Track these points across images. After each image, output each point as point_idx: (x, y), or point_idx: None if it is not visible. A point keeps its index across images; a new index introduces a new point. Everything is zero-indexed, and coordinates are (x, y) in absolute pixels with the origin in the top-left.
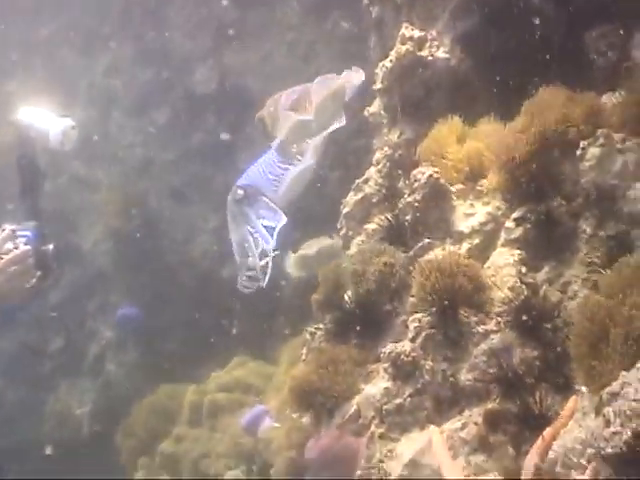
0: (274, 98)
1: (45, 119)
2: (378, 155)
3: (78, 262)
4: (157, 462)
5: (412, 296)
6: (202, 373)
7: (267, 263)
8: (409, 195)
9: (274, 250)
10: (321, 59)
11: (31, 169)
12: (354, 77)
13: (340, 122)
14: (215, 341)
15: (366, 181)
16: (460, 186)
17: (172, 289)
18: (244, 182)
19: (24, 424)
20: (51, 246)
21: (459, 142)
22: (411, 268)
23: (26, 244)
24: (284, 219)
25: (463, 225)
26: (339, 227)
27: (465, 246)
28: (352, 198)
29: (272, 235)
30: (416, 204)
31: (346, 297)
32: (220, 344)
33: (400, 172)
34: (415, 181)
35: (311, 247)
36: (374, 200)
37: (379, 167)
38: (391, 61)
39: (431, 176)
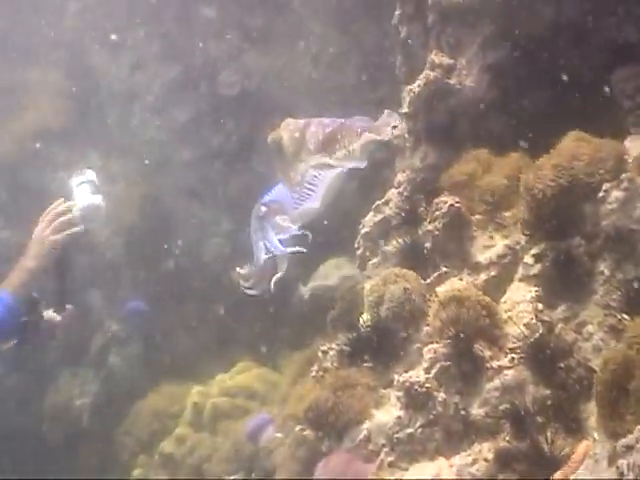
0: (297, 123)
1: (80, 191)
2: (400, 178)
3: (88, 253)
4: (156, 461)
5: (428, 325)
6: (205, 374)
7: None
8: (430, 223)
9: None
10: (345, 70)
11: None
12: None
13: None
14: (220, 343)
15: (386, 203)
16: (481, 217)
17: (181, 288)
18: (269, 199)
19: (22, 413)
20: (25, 318)
21: (483, 173)
22: (428, 296)
23: None
24: (295, 231)
25: (481, 256)
26: (356, 246)
27: (482, 277)
28: (371, 219)
29: (284, 246)
30: (436, 232)
31: (362, 320)
32: (225, 347)
33: (421, 197)
34: (437, 209)
35: (326, 276)
36: (393, 223)
37: (400, 190)
38: (419, 86)
39: (452, 206)
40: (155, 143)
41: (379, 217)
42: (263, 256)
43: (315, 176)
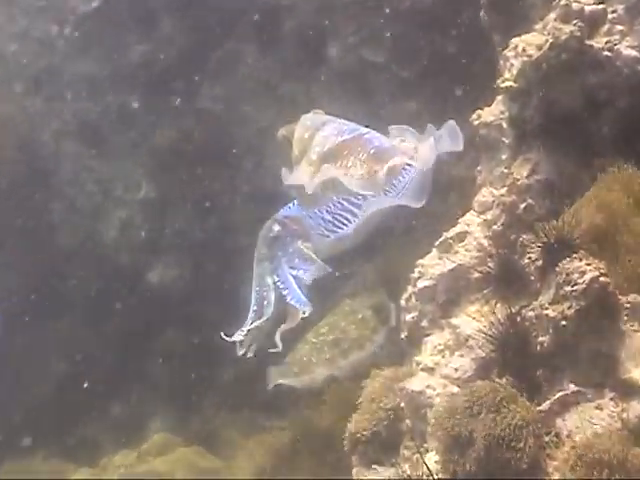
0: (315, 121)
1: None
2: (485, 196)
3: None
4: None
5: None
6: (95, 447)
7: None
8: (553, 303)
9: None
10: None
11: None
12: (427, 153)
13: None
14: (119, 388)
15: (461, 238)
16: (637, 298)
17: (60, 288)
18: (286, 213)
19: None
20: None
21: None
22: (544, 436)
23: None
24: (323, 270)
25: (638, 371)
26: (404, 305)
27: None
28: (435, 264)
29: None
30: (563, 322)
31: (426, 463)
32: (127, 395)
33: (526, 238)
34: (567, 282)
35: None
36: (474, 276)
37: (487, 218)
38: (539, 48)
39: (596, 280)
40: (34, 42)
41: (450, 265)
42: (272, 299)
43: (354, 202)
